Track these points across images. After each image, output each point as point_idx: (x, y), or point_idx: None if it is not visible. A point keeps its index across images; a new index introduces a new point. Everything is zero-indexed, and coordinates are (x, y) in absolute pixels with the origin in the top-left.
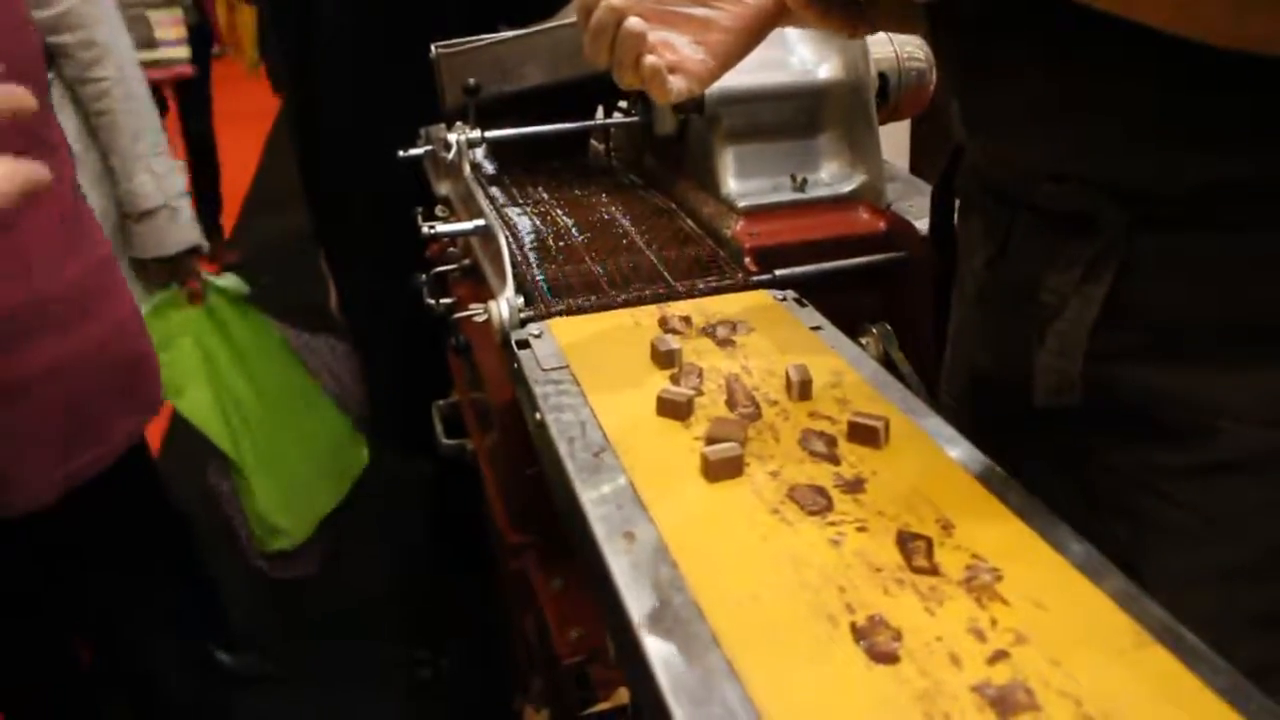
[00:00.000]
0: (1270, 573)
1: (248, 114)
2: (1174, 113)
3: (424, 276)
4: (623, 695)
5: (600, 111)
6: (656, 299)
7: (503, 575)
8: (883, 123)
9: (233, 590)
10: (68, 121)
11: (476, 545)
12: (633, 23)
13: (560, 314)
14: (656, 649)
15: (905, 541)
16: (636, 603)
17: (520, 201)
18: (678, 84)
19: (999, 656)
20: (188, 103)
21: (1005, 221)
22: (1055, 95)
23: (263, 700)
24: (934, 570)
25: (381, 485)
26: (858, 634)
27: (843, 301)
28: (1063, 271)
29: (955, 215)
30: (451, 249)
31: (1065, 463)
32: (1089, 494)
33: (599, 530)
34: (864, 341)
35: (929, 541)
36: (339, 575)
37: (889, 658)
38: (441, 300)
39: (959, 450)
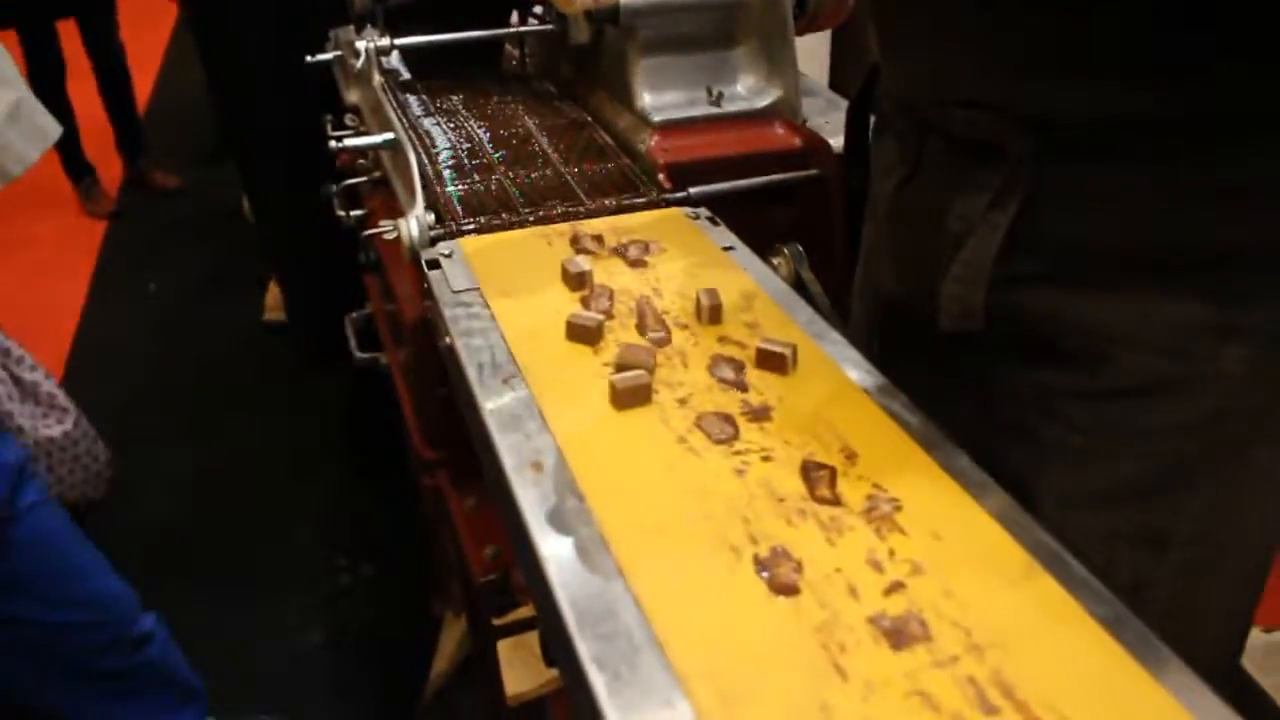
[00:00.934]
0: (1150, 495)
1: (147, 21)
2: (1075, 39)
3: (335, 187)
4: None
5: (515, 18)
6: (569, 217)
7: (417, 485)
8: (800, 34)
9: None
10: None
11: (393, 453)
12: None
13: (472, 232)
14: (562, 581)
15: (809, 471)
16: (542, 534)
17: (433, 110)
18: None
19: (895, 588)
20: (87, 16)
21: (916, 145)
22: (959, 16)
23: (179, 604)
24: (836, 500)
25: (299, 393)
26: (759, 565)
27: (756, 219)
28: (970, 198)
29: (870, 134)
30: (362, 161)
31: (968, 385)
32: (989, 416)
33: (507, 460)
34: (775, 262)
35: (832, 471)
36: (257, 482)
37: (789, 589)
38: (353, 212)
39: (865, 376)
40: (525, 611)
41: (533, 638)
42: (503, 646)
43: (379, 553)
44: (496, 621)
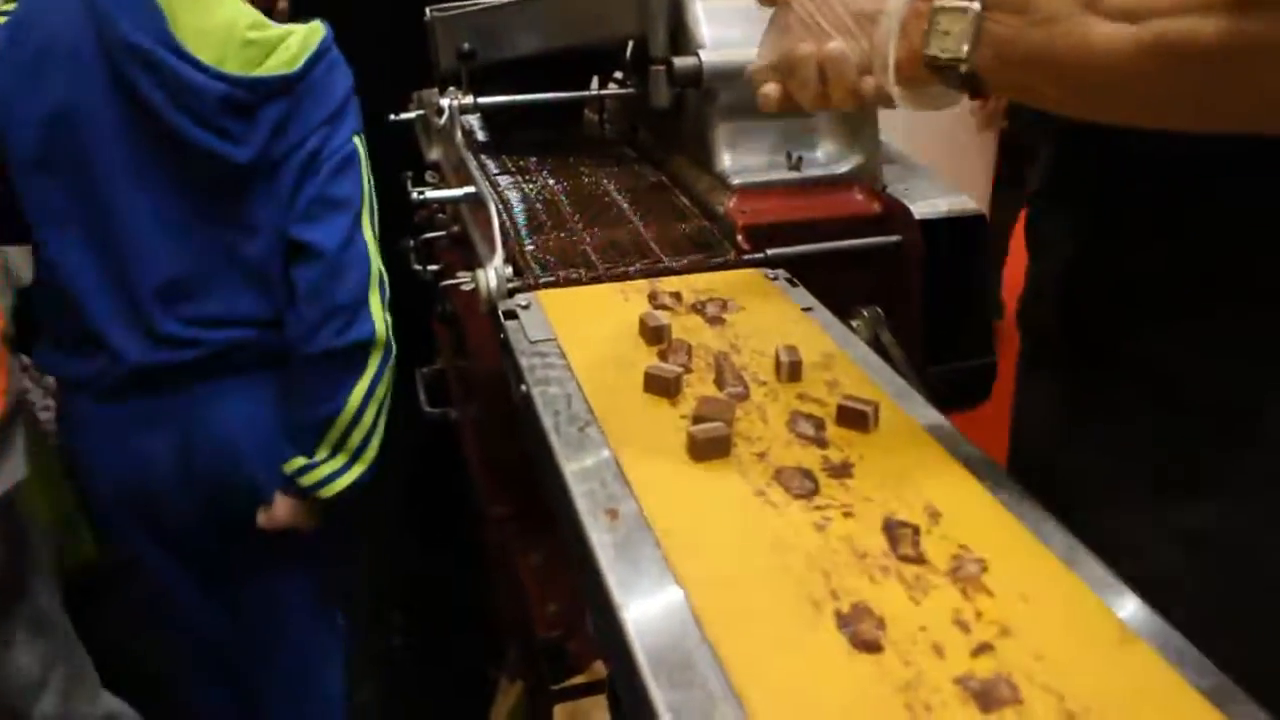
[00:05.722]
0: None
1: None
2: None
3: (412, 241)
4: (598, 670)
5: (595, 82)
6: (646, 274)
7: (480, 544)
8: None
9: None
10: None
11: (455, 512)
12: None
13: (549, 285)
14: (637, 630)
15: (892, 528)
16: (618, 582)
17: (512, 170)
18: None
19: (983, 649)
20: None
21: (1051, 161)
22: None
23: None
24: (920, 559)
25: None
26: (841, 621)
27: (835, 282)
28: (1054, 222)
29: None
30: (440, 215)
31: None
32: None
33: (582, 506)
34: (854, 324)
35: (915, 529)
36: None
37: (872, 646)
38: (429, 266)
39: (948, 436)
40: (582, 678)
41: (590, 704)
42: (560, 711)
43: (435, 613)
44: (555, 686)
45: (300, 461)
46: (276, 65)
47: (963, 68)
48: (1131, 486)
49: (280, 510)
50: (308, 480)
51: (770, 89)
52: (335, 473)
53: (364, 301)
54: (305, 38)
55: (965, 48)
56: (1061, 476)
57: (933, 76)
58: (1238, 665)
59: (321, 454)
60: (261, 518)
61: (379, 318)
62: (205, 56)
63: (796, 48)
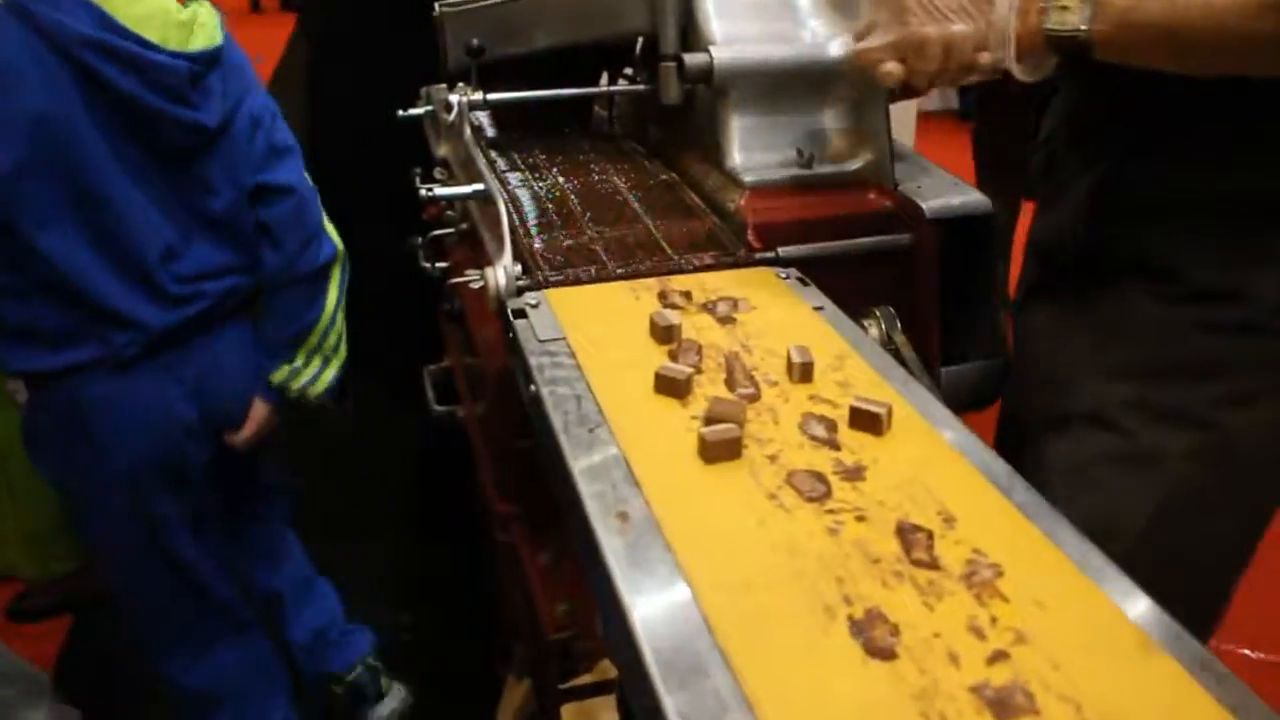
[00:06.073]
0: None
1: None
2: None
3: (420, 239)
4: (606, 669)
5: (605, 78)
6: (656, 272)
7: (489, 543)
8: (892, 101)
9: None
10: None
11: (462, 511)
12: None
13: (558, 284)
14: (647, 633)
15: (905, 533)
16: (628, 585)
17: (521, 167)
18: None
19: (999, 657)
20: None
21: (1064, 111)
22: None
23: None
24: (934, 564)
25: (367, 448)
26: (854, 627)
27: (846, 281)
28: (1080, 155)
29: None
30: (449, 212)
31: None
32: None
33: (592, 508)
34: (866, 324)
35: (929, 534)
36: (322, 534)
37: (886, 653)
38: (437, 264)
39: (961, 439)
40: (589, 678)
41: (596, 704)
42: (567, 711)
43: (444, 612)
44: (562, 685)
45: (286, 370)
46: (203, 40)
47: (1081, 38)
48: (1125, 372)
49: (259, 414)
50: (295, 384)
51: (892, 67)
52: (316, 374)
53: (322, 225)
54: (211, 14)
55: (1085, 20)
56: (1057, 371)
57: (1048, 48)
58: (1204, 538)
59: (299, 360)
60: (230, 436)
61: (335, 235)
62: (153, 39)
63: (920, 30)
